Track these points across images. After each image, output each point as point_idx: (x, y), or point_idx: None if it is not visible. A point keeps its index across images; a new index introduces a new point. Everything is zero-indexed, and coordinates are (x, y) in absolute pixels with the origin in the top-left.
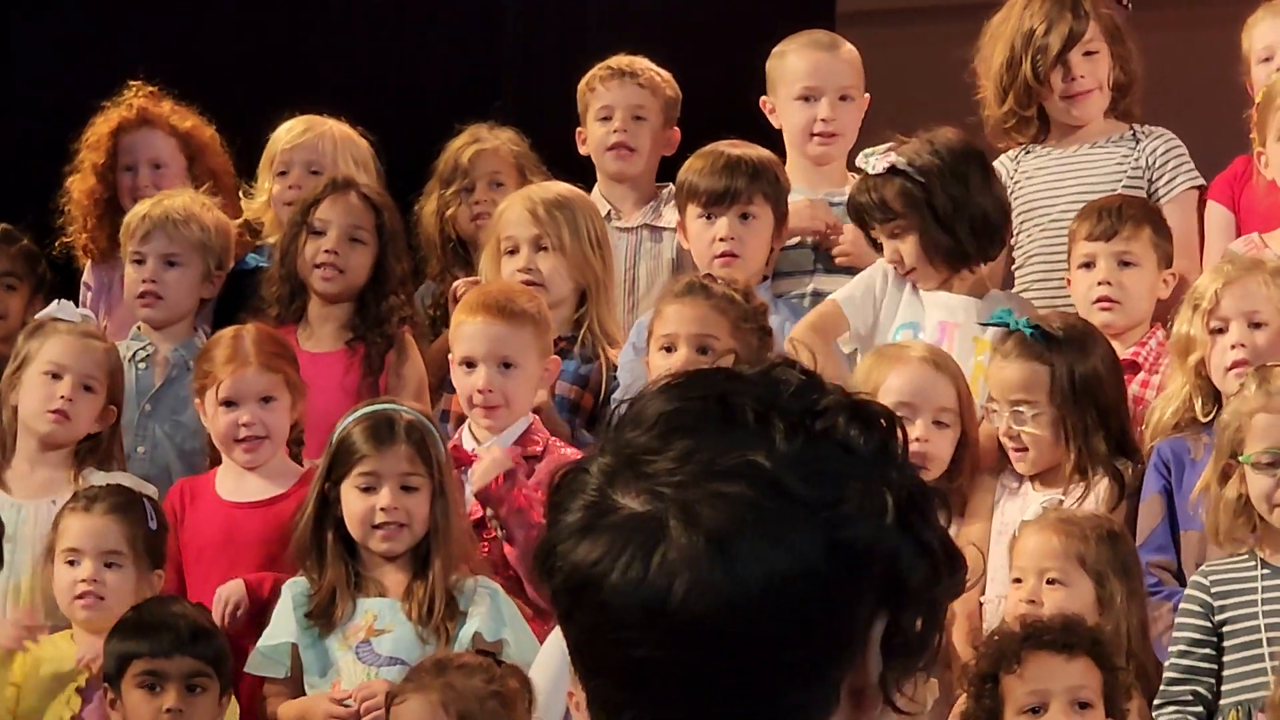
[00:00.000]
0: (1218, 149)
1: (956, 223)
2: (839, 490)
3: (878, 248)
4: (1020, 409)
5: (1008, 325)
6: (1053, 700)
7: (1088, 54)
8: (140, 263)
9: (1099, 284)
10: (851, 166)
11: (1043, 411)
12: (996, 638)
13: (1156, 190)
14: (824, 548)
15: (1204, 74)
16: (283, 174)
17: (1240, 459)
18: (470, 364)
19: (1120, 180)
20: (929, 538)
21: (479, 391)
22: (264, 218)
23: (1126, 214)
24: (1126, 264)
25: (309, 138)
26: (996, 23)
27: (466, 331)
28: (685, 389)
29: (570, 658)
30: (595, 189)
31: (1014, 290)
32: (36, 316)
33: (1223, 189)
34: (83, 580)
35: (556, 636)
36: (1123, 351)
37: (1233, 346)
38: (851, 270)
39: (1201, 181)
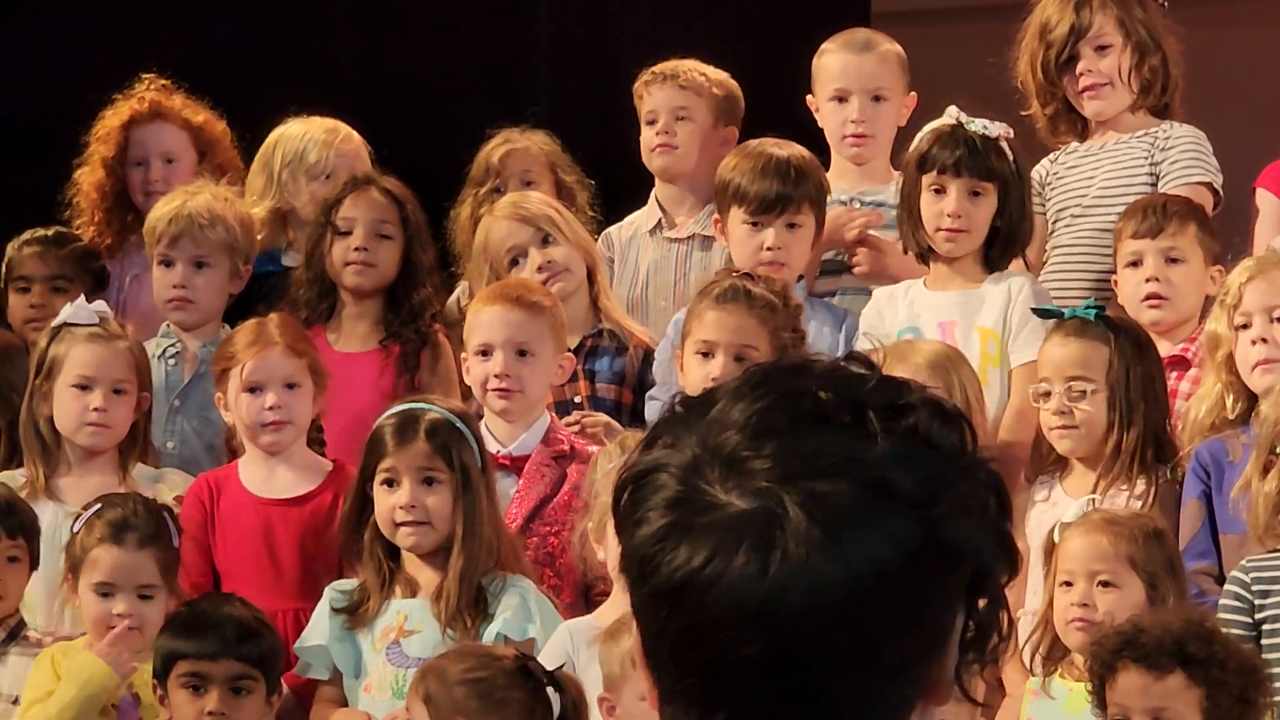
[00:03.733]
0: (1257, 143)
1: (1019, 222)
2: (937, 487)
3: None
4: (1078, 384)
5: (1061, 314)
6: (1133, 717)
7: (1100, 49)
8: (168, 265)
9: (1147, 281)
10: (896, 164)
11: (1100, 390)
12: (1097, 646)
13: (1160, 180)
14: (926, 544)
15: (1242, 70)
16: (327, 178)
17: (1277, 448)
18: (486, 352)
19: (1141, 172)
20: (1007, 532)
21: (495, 376)
22: (261, 220)
23: (1171, 211)
24: (1173, 260)
25: (351, 146)
26: (1025, 25)
27: (483, 319)
28: (770, 387)
29: (653, 660)
30: (652, 195)
31: (1040, 281)
32: (53, 323)
33: (1274, 177)
34: (118, 615)
35: (554, 641)
36: (1171, 348)
37: (1254, 342)
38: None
39: (1210, 179)
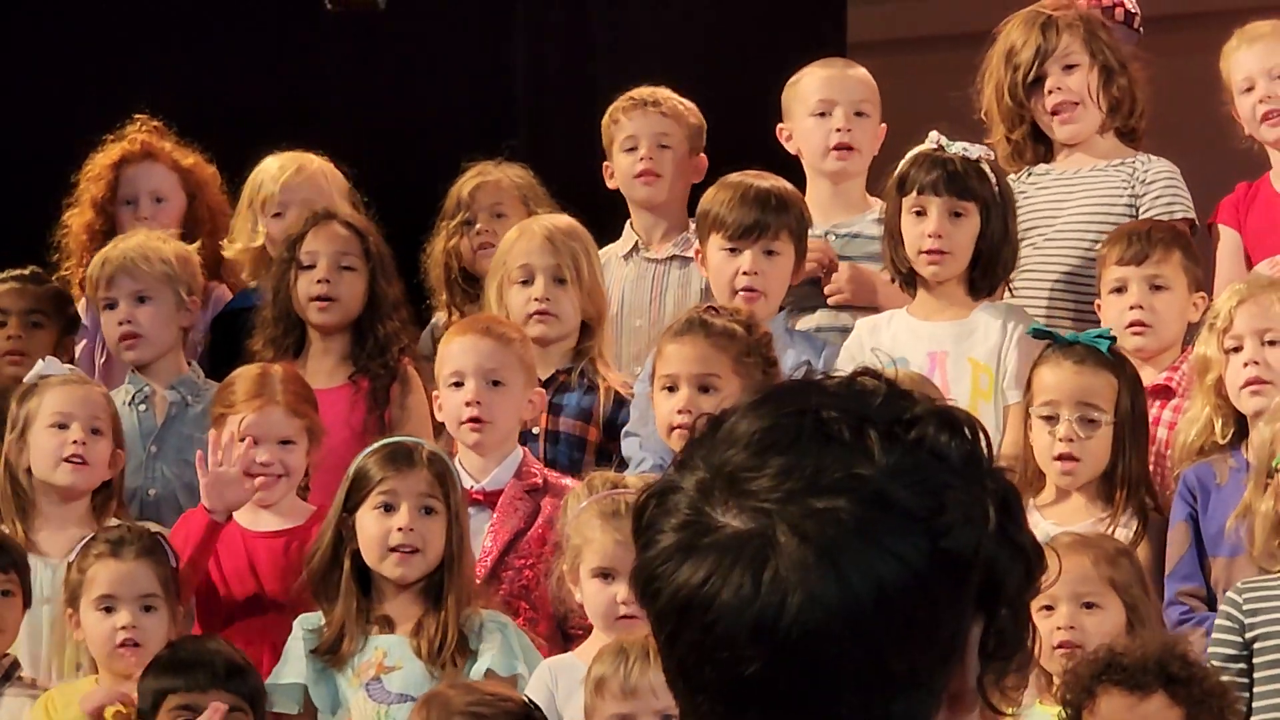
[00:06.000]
0: (1211, 173)
1: (1002, 245)
2: (940, 499)
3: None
4: (1090, 413)
5: (1057, 336)
6: None
7: (1067, 68)
8: (112, 307)
9: (1131, 308)
10: (872, 191)
11: (1108, 422)
12: (1072, 674)
13: (1139, 213)
14: (929, 557)
15: (1198, 100)
16: (278, 215)
17: (1274, 464)
18: (459, 382)
19: (1120, 201)
20: (1023, 541)
21: (467, 404)
22: (243, 260)
23: (1156, 238)
24: (1158, 288)
25: (304, 176)
26: (989, 54)
27: (454, 350)
28: (776, 405)
29: (669, 678)
30: (628, 223)
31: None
32: (25, 379)
33: (1229, 213)
34: (123, 628)
35: (535, 679)
36: (1155, 376)
37: (1245, 364)
38: (847, 308)
39: (1190, 215)
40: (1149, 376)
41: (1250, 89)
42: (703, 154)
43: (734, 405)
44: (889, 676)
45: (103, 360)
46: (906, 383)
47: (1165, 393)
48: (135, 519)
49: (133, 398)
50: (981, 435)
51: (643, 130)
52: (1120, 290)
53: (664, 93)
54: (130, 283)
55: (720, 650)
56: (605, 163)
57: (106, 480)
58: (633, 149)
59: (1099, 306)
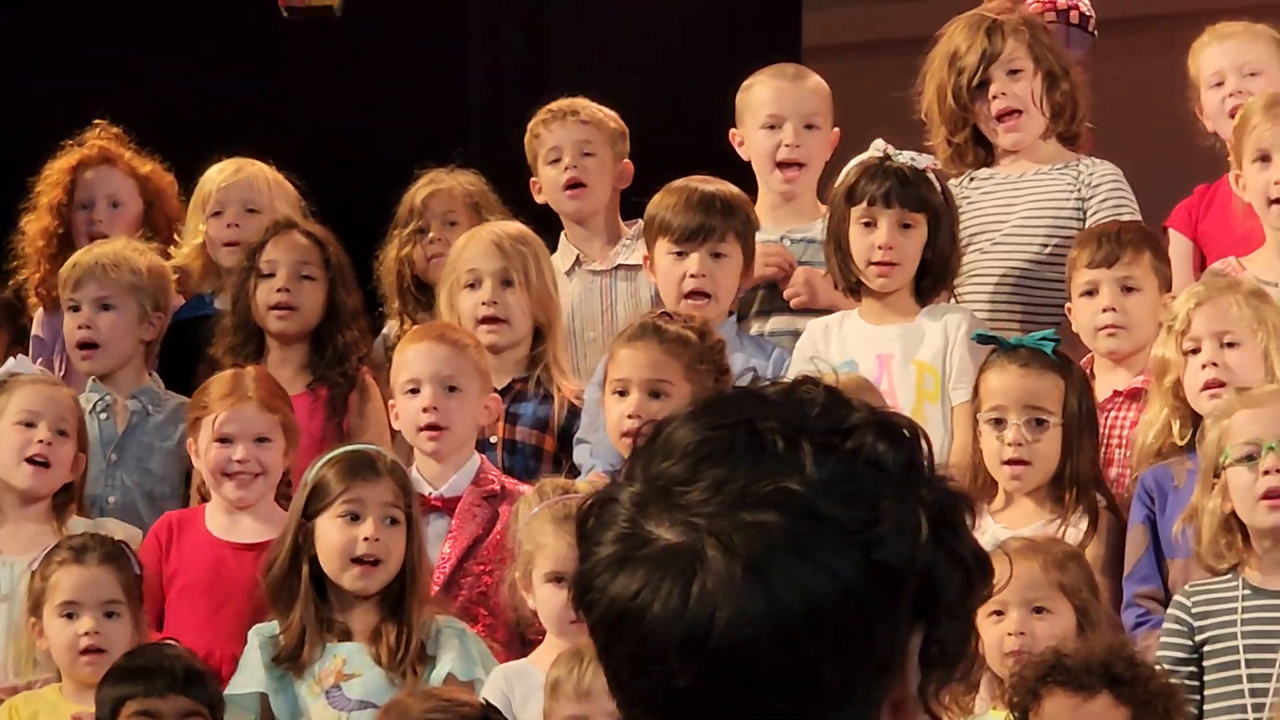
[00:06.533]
0: (1172, 176)
1: (950, 254)
2: (873, 510)
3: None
4: (1038, 415)
5: (1000, 341)
6: None
7: (1011, 73)
8: (76, 310)
9: (1104, 311)
10: (823, 199)
11: (1056, 424)
12: (1018, 676)
13: (1087, 216)
14: (861, 569)
15: (1158, 102)
16: (217, 214)
17: (1221, 460)
18: (415, 389)
19: (1068, 204)
20: (962, 549)
21: (424, 410)
22: (193, 265)
23: (1126, 239)
24: (1129, 289)
25: (243, 177)
26: (931, 55)
27: (409, 357)
28: (713, 416)
29: (609, 687)
30: (562, 236)
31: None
32: None
33: (1182, 218)
34: (85, 634)
35: (490, 684)
36: (1130, 378)
37: (1203, 366)
38: (807, 311)
39: (1136, 218)
40: (1123, 379)
41: (1220, 84)
42: (628, 159)
43: (673, 414)
44: (822, 688)
45: (62, 373)
46: (848, 389)
47: (1141, 395)
48: (92, 528)
49: (94, 406)
50: (923, 442)
51: (565, 140)
52: (1091, 293)
53: (582, 102)
54: (96, 289)
55: (652, 663)
56: (533, 179)
57: (68, 482)
58: (557, 160)
59: (1070, 310)
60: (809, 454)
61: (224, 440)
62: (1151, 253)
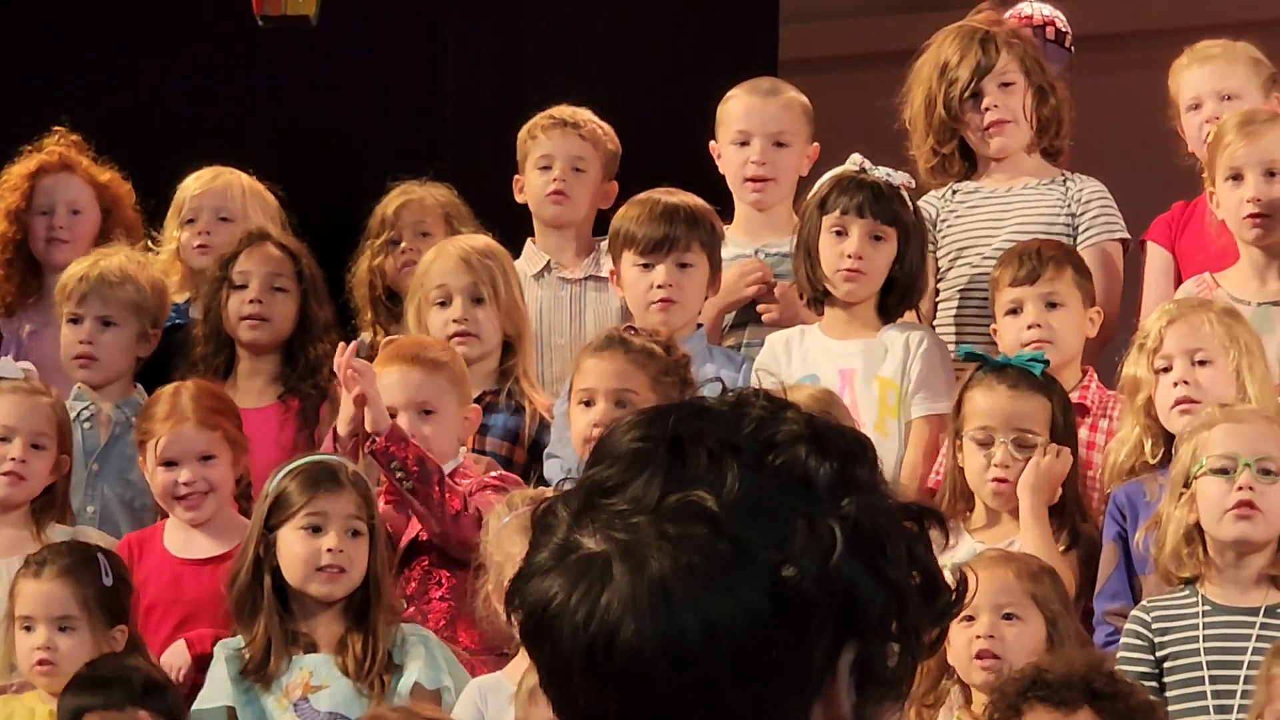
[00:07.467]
0: (1148, 192)
1: (918, 272)
2: (783, 529)
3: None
4: (1028, 437)
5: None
6: None
7: (1003, 85)
8: (76, 323)
9: (1029, 327)
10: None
11: (1043, 445)
12: (998, 692)
13: (1078, 234)
14: (767, 590)
15: (1136, 118)
16: (191, 221)
17: (1194, 469)
18: (390, 415)
19: (1056, 221)
20: (885, 567)
21: None
22: (170, 273)
23: (1047, 256)
24: (1053, 305)
25: (218, 184)
26: (918, 64)
27: (384, 383)
28: (648, 426)
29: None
30: (529, 241)
31: (936, 325)
32: None
33: (1162, 231)
34: (37, 648)
35: (464, 698)
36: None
37: (1175, 384)
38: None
39: (1125, 235)
40: None
41: (1197, 107)
42: (614, 180)
43: (621, 420)
44: (726, 710)
45: None
46: (816, 403)
47: (1081, 410)
48: (72, 535)
49: (79, 414)
50: (867, 457)
51: (559, 151)
52: (1016, 311)
53: (585, 114)
54: (100, 305)
55: (564, 674)
56: (516, 176)
57: (49, 484)
58: (547, 168)
59: (995, 331)
60: (731, 469)
61: (168, 464)
62: (1073, 269)
